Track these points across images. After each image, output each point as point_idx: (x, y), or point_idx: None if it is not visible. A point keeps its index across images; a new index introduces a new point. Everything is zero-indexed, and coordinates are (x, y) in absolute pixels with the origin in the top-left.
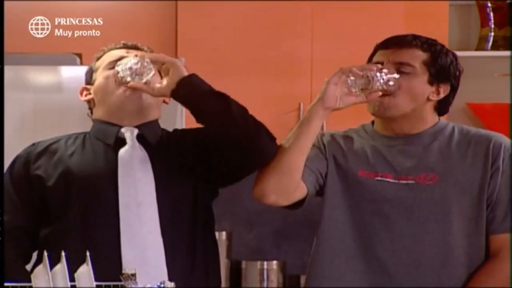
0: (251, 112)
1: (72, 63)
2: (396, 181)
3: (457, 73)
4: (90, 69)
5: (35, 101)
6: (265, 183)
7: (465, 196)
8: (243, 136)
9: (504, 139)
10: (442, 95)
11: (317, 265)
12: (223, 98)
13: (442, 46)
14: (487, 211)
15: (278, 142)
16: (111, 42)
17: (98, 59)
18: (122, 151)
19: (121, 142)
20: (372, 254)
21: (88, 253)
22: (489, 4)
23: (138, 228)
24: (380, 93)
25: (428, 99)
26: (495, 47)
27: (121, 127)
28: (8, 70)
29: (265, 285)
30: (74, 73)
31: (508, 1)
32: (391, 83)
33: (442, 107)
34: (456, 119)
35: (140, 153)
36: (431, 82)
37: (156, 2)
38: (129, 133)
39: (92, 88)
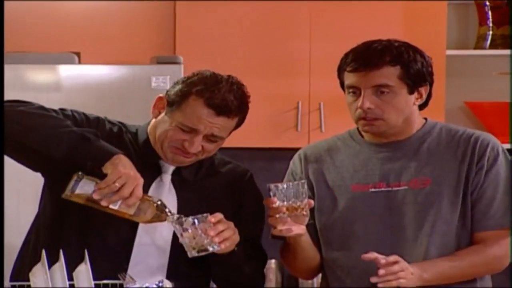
0: (250, 110)
1: (70, 61)
2: (390, 188)
3: (430, 69)
4: (180, 90)
5: (34, 100)
6: (301, 275)
7: (457, 196)
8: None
9: (491, 138)
10: (425, 96)
11: (328, 281)
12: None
13: (407, 50)
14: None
15: (277, 139)
16: (110, 41)
17: (189, 86)
18: (154, 186)
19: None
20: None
21: (86, 252)
22: (488, 3)
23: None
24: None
25: (413, 105)
26: (493, 45)
27: (161, 159)
28: (6, 69)
29: None
30: (72, 72)
31: (506, 0)
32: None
33: (423, 103)
34: (454, 118)
35: (169, 193)
36: (411, 91)
37: (155, 1)
38: (165, 169)
39: (163, 120)
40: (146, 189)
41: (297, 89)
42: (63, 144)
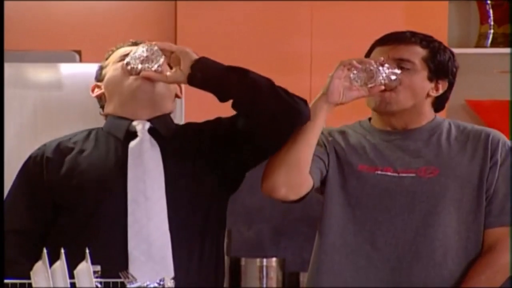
0: None
1: (71, 60)
2: (396, 174)
3: (454, 69)
4: (100, 67)
5: (35, 98)
6: (275, 177)
7: (465, 189)
8: (274, 98)
9: (501, 135)
10: (441, 91)
11: (317, 260)
12: (241, 70)
13: (440, 43)
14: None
15: None
16: (111, 39)
17: (107, 57)
18: (132, 144)
19: (133, 135)
20: (374, 249)
21: (87, 250)
22: (489, 1)
23: (145, 223)
24: (383, 87)
25: (428, 95)
26: (494, 44)
27: (133, 120)
28: (7, 67)
29: (264, 282)
30: (73, 70)
31: None
32: (393, 77)
33: (439, 103)
34: (455, 115)
35: (151, 146)
36: (430, 79)
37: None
38: (141, 126)
39: (103, 83)
40: (125, 152)
41: (298, 85)
42: None
